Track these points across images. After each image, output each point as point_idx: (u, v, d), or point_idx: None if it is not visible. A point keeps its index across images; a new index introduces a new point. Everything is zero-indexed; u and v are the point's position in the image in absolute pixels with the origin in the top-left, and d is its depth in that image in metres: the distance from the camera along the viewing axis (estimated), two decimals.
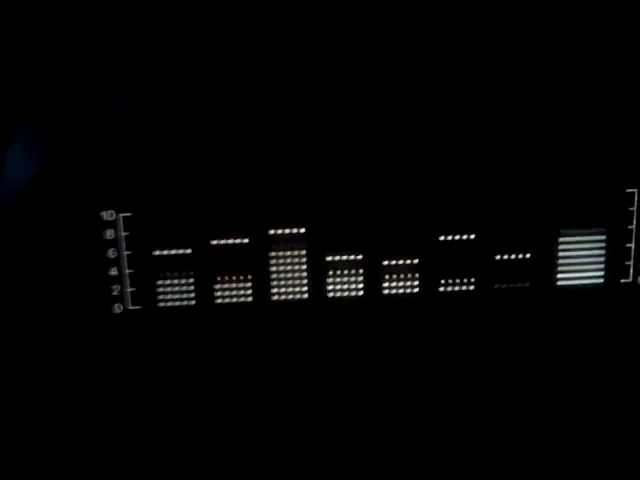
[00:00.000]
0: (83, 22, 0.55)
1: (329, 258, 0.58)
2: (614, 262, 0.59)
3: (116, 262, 0.57)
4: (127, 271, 0.57)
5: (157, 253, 0.57)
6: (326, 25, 0.56)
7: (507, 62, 0.57)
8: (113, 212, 0.56)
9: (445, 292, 0.59)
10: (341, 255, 0.58)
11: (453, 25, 0.57)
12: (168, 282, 0.57)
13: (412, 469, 0.58)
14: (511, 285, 0.59)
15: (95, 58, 0.55)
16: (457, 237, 0.58)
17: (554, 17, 0.57)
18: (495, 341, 0.60)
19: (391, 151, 0.57)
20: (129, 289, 0.57)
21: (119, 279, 0.57)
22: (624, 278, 0.60)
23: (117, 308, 0.58)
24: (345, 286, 0.59)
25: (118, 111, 0.55)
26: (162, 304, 0.58)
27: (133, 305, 0.58)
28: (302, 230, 0.57)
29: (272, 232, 0.57)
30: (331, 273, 0.58)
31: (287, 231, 0.57)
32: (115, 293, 0.57)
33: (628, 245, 0.59)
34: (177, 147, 0.56)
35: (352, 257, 0.58)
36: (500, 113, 0.57)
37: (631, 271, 0.60)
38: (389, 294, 0.59)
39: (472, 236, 0.58)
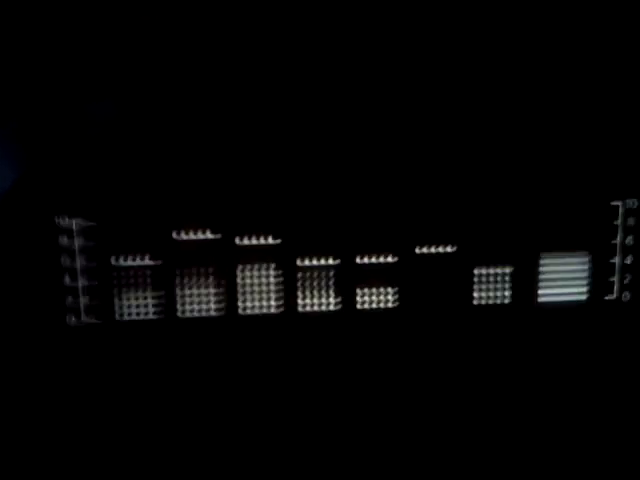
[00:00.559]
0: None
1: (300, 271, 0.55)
2: (598, 278, 0.57)
3: (71, 271, 0.53)
4: (82, 281, 0.53)
5: (115, 263, 0.53)
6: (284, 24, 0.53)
7: (484, 79, 0.55)
8: (68, 218, 0.52)
9: (422, 307, 0.56)
10: (314, 268, 0.55)
11: (436, 25, 0.55)
12: (126, 293, 0.54)
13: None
14: (491, 301, 0.56)
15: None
16: (435, 250, 0.55)
17: (531, 29, 0.55)
18: (474, 359, 0.57)
19: (371, 162, 0.55)
20: (84, 300, 0.54)
21: (74, 289, 0.53)
22: (608, 295, 0.57)
23: (71, 320, 0.54)
24: (317, 300, 0.55)
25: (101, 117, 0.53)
26: (120, 317, 0.54)
27: (88, 317, 0.54)
28: (270, 240, 0.54)
29: (239, 243, 0.54)
30: (303, 286, 0.55)
31: (255, 241, 0.54)
32: (69, 304, 0.54)
33: (612, 260, 0.57)
34: (137, 151, 0.53)
35: (325, 269, 0.55)
36: (480, 126, 0.55)
37: (616, 287, 0.57)
38: (364, 308, 0.56)
39: (451, 249, 0.55)
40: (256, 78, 0.53)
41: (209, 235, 0.54)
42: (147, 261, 0.53)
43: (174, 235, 0.53)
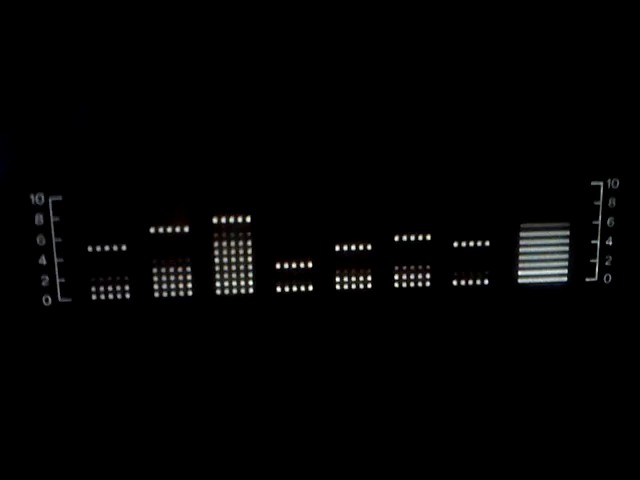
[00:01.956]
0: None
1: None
2: (578, 259, 0.56)
3: (46, 250, 0.53)
4: (57, 260, 0.53)
5: (90, 242, 0.53)
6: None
7: (467, 55, 0.54)
8: (42, 195, 0.52)
9: (400, 288, 0.55)
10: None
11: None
12: (102, 273, 0.53)
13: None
14: (469, 282, 0.56)
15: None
16: (413, 233, 0.55)
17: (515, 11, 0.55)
18: (452, 341, 0.56)
19: (351, 145, 0.54)
20: (59, 279, 0.53)
21: (49, 268, 0.53)
22: (589, 277, 0.57)
23: (46, 300, 0.53)
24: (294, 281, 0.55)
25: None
26: (95, 297, 0.54)
27: (63, 297, 0.53)
28: (248, 219, 0.54)
29: (216, 221, 0.54)
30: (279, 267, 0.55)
31: (232, 220, 0.54)
32: (44, 284, 0.53)
33: (593, 242, 0.56)
34: (115, 125, 0.53)
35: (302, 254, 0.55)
36: (460, 104, 0.55)
37: (597, 269, 0.57)
38: (342, 289, 0.55)
39: (429, 231, 0.55)
40: (236, 64, 0.53)
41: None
42: (121, 240, 0.53)
43: (150, 228, 0.53)
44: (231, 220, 0.53)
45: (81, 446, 0.53)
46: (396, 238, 0.55)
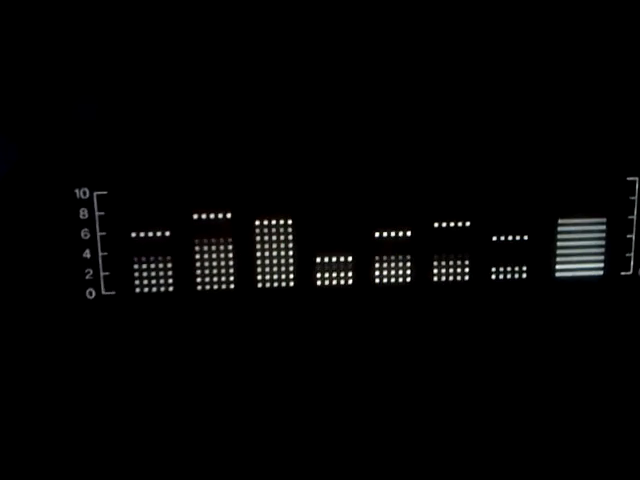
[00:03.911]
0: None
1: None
2: (614, 253, 0.57)
3: (90, 244, 0.53)
4: (101, 253, 0.53)
5: (134, 235, 0.53)
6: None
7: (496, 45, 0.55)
8: (87, 190, 0.52)
9: (439, 282, 0.56)
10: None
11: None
12: (145, 266, 0.54)
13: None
14: (507, 276, 0.56)
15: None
16: (452, 224, 0.55)
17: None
18: (490, 334, 0.57)
19: (383, 142, 0.55)
20: (103, 273, 0.54)
21: (93, 262, 0.53)
22: (624, 270, 0.57)
23: (90, 293, 0.54)
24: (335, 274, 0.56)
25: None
26: (139, 289, 0.54)
27: (107, 290, 0.54)
28: (289, 221, 0.54)
29: (257, 223, 0.54)
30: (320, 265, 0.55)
31: (274, 222, 0.54)
32: (88, 277, 0.54)
33: (629, 236, 0.57)
34: (154, 121, 0.53)
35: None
36: (496, 101, 0.55)
37: (632, 263, 0.57)
38: (380, 283, 0.56)
39: (467, 224, 0.56)
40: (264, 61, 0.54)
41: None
42: (165, 232, 0.53)
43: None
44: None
45: (127, 435, 0.54)
46: (435, 225, 0.55)
